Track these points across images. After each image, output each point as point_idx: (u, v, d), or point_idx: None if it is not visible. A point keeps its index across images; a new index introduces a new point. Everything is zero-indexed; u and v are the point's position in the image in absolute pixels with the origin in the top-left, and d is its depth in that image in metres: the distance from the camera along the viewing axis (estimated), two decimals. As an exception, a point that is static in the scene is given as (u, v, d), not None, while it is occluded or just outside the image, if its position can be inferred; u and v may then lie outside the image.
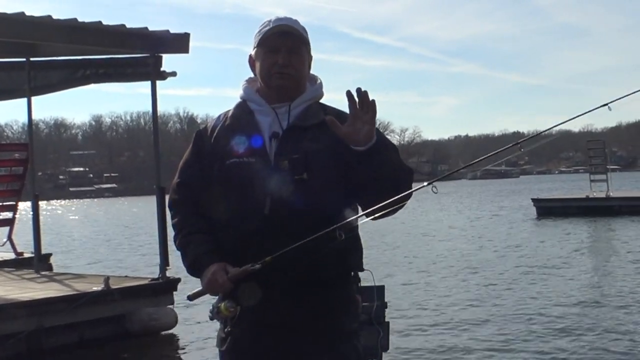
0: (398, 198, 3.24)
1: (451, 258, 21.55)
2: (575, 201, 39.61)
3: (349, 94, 3.20)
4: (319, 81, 3.63)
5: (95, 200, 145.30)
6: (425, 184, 3.32)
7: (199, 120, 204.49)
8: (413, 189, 3.28)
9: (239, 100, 3.60)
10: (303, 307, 3.35)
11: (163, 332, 12.21)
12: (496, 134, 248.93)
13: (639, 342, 10.65)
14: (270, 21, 3.49)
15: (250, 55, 3.59)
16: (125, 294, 11.90)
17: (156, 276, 12.55)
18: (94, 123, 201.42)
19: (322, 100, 3.62)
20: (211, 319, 3.41)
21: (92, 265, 24.42)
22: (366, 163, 3.25)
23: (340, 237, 3.17)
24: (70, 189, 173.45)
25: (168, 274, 12.46)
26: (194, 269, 3.45)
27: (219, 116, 3.61)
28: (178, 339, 12.19)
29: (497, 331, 11.67)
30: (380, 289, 6.02)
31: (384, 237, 28.23)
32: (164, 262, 12.46)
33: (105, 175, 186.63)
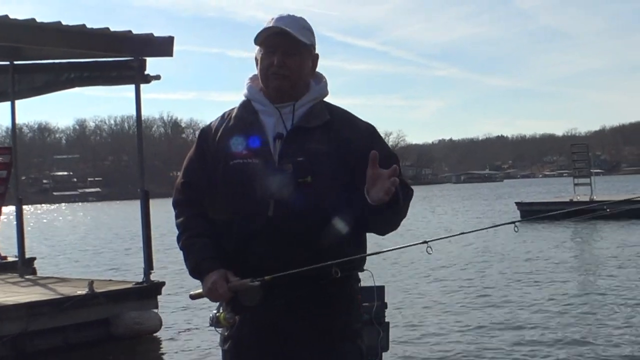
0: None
1: (444, 261, 21.57)
2: (558, 205, 39.66)
3: (373, 155, 3.14)
4: (324, 80, 3.59)
5: (79, 204, 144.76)
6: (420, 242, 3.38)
7: (183, 125, 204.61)
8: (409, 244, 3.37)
9: (242, 99, 3.57)
10: (305, 308, 3.33)
11: (147, 336, 12.18)
12: (480, 138, 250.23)
13: (621, 343, 10.71)
14: (272, 19, 3.45)
15: (255, 54, 3.55)
16: (110, 297, 11.88)
17: (140, 280, 12.53)
18: (77, 127, 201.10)
19: None
20: (210, 325, 3.42)
21: (77, 269, 24.34)
22: (373, 213, 3.21)
23: (336, 275, 3.17)
24: (54, 193, 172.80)
25: (152, 277, 12.45)
26: (195, 272, 3.43)
27: (223, 115, 3.58)
28: (162, 343, 12.16)
29: (494, 332, 11.72)
30: (380, 289, 6.05)
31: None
32: (148, 266, 12.44)
33: (89, 179, 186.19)
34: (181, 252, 3.52)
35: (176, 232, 3.57)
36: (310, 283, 3.29)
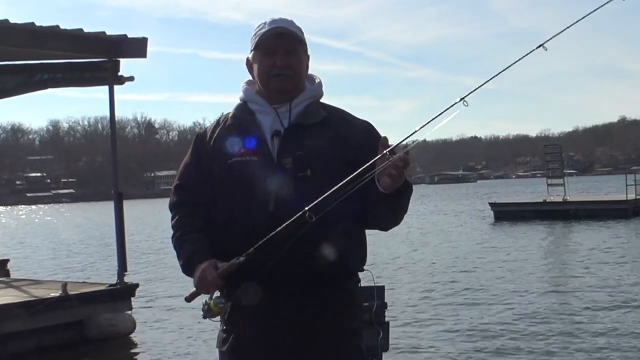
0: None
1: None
2: (532, 205, 39.90)
3: (383, 140, 3.14)
4: (317, 80, 3.62)
5: (53, 205, 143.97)
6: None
7: (156, 125, 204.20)
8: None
9: (238, 102, 3.58)
10: (305, 309, 3.32)
11: (121, 338, 12.14)
12: (454, 139, 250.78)
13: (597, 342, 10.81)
14: (265, 23, 3.46)
15: (247, 59, 3.58)
16: (83, 299, 11.83)
17: (114, 282, 12.48)
18: (51, 128, 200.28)
19: None
20: (204, 317, 3.32)
21: (50, 271, 24.21)
22: (384, 203, 3.22)
23: (311, 219, 3.08)
24: (28, 194, 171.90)
25: (126, 279, 12.41)
26: (187, 267, 3.41)
27: (219, 119, 3.59)
28: (136, 345, 12.14)
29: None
30: (380, 289, 6.03)
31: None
32: (122, 268, 12.39)
33: (62, 180, 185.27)
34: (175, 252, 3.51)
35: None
36: (310, 278, 3.28)
